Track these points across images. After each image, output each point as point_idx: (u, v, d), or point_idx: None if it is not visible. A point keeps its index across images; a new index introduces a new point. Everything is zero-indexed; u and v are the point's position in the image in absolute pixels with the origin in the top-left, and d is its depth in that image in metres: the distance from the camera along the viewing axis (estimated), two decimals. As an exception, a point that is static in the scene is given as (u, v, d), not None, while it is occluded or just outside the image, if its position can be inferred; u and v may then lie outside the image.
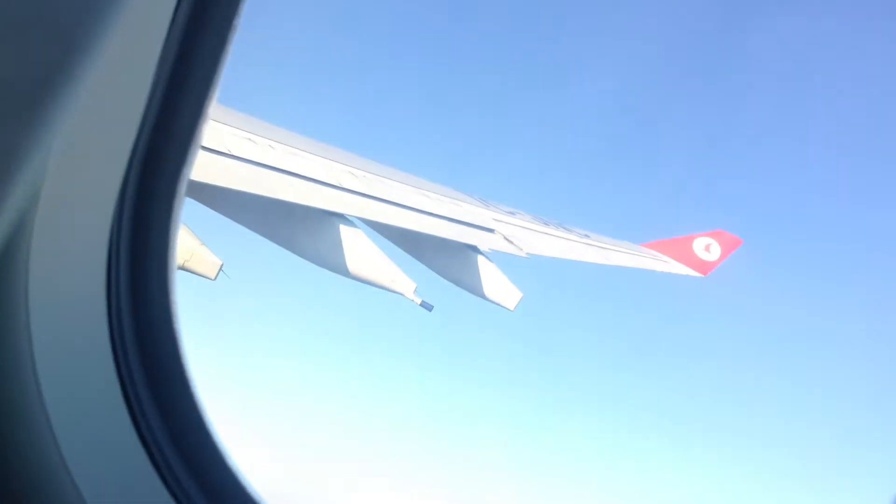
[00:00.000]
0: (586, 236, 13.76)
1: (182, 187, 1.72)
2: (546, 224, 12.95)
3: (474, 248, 9.79)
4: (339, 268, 7.87)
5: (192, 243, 5.86)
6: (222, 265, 5.93)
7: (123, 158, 1.62)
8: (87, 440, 1.72)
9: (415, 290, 8.04)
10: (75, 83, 1.34)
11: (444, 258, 9.58)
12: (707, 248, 16.68)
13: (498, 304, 9.48)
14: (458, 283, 9.62)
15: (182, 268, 5.83)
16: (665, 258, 16.12)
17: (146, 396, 1.75)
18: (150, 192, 1.69)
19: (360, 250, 7.87)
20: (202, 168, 7.39)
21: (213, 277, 5.94)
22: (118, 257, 1.70)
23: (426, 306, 8.13)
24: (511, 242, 11.01)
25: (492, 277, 9.50)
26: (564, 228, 13.38)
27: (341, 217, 8.26)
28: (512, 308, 9.52)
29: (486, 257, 9.73)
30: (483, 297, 9.52)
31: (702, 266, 16.61)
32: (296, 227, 8.08)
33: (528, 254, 11.11)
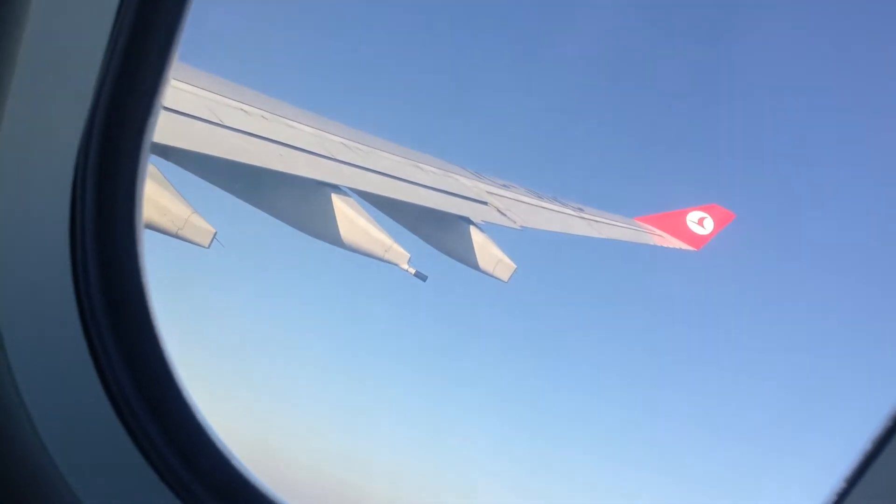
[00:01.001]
0: (580, 210, 13.77)
1: (149, 133, 1.69)
2: (540, 197, 12.95)
3: (468, 220, 9.79)
4: (334, 238, 7.88)
5: (185, 211, 5.86)
6: (216, 233, 5.94)
7: (84, 107, 1.60)
8: (53, 395, 1.71)
9: (409, 261, 8.06)
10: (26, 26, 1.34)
11: (438, 230, 9.59)
12: (700, 221, 16.74)
13: (492, 276, 9.50)
14: (451, 254, 9.64)
15: (176, 235, 5.84)
16: (658, 232, 16.17)
17: (112, 345, 1.73)
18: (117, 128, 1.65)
19: (353, 221, 7.88)
20: (195, 137, 7.37)
21: (206, 245, 5.96)
22: (83, 210, 1.67)
23: (420, 276, 8.15)
24: (505, 215, 11.02)
25: (485, 249, 9.52)
26: (559, 202, 13.39)
27: (335, 188, 8.25)
28: (506, 280, 9.54)
29: (480, 229, 9.74)
30: (477, 268, 9.54)
31: (695, 240, 16.67)
32: (289, 198, 8.08)
33: (521, 226, 11.12)
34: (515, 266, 9.48)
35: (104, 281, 1.72)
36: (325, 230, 7.83)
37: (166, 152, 6.89)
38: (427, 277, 8.19)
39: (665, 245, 16.05)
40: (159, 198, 5.81)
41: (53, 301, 1.70)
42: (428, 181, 10.26)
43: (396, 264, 8.01)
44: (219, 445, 1.83)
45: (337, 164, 8.81)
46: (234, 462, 1.84)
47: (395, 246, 7.96)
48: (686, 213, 16.72)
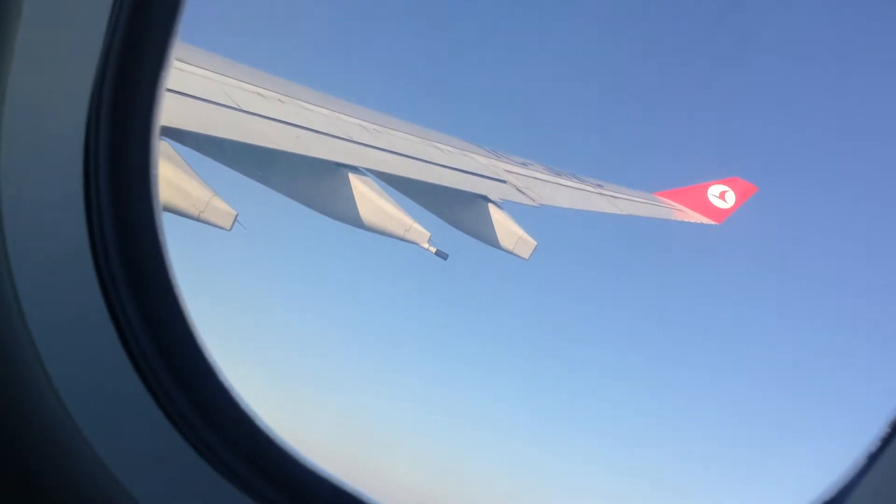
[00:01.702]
0: (599, 186, 13.69)
1: (161, 87, 1.68)
2: (558, 174, 12.88)
3: (486, 198, 9.76)
4: (353, 219, 7.89)
5: (206, 194, 5.89)
6: (237, 215, 5.97)
7: (94, 56, 1.59)
8: (71, 352, 1.72)
9: (429, 240, 8.05)
10: None
11: (457, 209, 9.57)
12: (722, 195, 16.58)
13: (512, 253, 9.48)
14: (471, 233, 9.62)
15: (197, 219, 5.87)
16: (679, 206, 16.05)
17: (131, 306, 1.73)
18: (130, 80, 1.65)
19: (373, 201, 7.88)
20: (212, 121, 7.38)
21: (228, 228, 5.98)
22: (97, 165, 1.66)
23: (441, 255, 8.15)
24: (523, 193, 10.97)
25: (505, 227, 9.50)
26: (577, 178, 13.32)
27: (353, 169, 8.25)
28: (526, 257, 9.52)
29: (499, 206, 9.71)
30: (497, 246, 9.52)
31: (716, 214, 16.52)
32: (308, 180, 8.09)
33: (540, 203, 11.08)
34: (536, 243, 9.45)
35: (126, 262, 1.72)
36: (345, 211, 7.85)
37: (183, 137, 6.91)
38: (448, 256, 8.20)
39: (686, 220, 15.93)
40: (180, 181, 5.84)
41: (74, 279, 1.70)
42: (445, 160, 10.23)
43: (417, 243, 8.01)
44: (244, 407, 1.83)
45: (354, 145, 8.80)
46: (258, 422, 1.84)
47: (416, 225, 7.96)
48: (707, 186, 16.57)
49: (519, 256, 9.48)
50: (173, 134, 6.60)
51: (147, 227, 1.74)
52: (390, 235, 7.99)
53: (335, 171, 7.97)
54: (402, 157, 9.40)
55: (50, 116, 1.63)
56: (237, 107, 7.83)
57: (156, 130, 1.71)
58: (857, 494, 1.53)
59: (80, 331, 1.72)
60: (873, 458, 1.52)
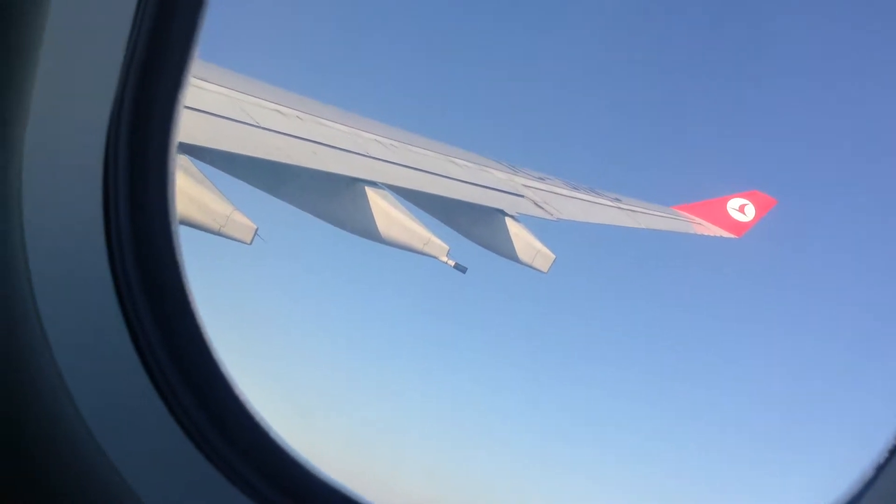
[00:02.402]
0: (617, 200, 13.63)
1: (180, 100, 1.70)
2: (576, 189, 12.86)
3: (504, 213, 9.76)
4: (372, 233, 7.92)
5: (227, 209, 5.93)
6: (257, 229, 6.00)
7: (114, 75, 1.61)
8: (88, 361, 1.73)
9: (448, 253, 8.05)
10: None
11: (475, 223, 9.57)
12: (741, 208, 16.46)
13: (531, 267, 9.45)
14: (490, 247, 9.61)
15: (218, 233, 5.91)
16: (699, 220, 15.94)
17: (146, 316, 1.73)
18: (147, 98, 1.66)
19: (391, 215, 7.90)
20: (231, 139, 7.46)
21: (248, 242, 6.02)
22: (116, 179, 1.67)
23: (460, 268, 8.14)
24: (541, 207, 10.96)
25: (523, 240, 9.48)
26: (595, 192, 13.28)
27: (371, 184, 8.28)
28: (545, 270, 9.48)
29: (516, 220, 9.70)
30: (516, 260, 9.50)
31: (736, 227, 16.39)
32: (326, 196, 8.13)
33: (558, 218, 11.05)
34: (555, 256, 9.41)
35: (142, 272, 1.73)
36: (364, 225, 7.87)
37: (203, 154, 6.99)
38: (467, 269, 8.19)
39: (705, 233, 15.81)
40: (201, 196, 5.89)
41: (92, 288, 1.72)
42: (463, 175, 10.25)
43: (436, 257, 8.01)
44: (254, 414, 1.83)
45: (371, 160, 8.85)
46: (267, 429, 1.84)
47: (434, 238, 7.97)
48: (727, 200, 16.46)
49: (538, 270, 9.45)
50: (193, 151, 6.67)
51: (163, 239, 1.75)
52: (409, 249, 8.00)
53: (353, 186, 8.01)
54: (418, 172, 9.43)
55: (71, 132, 1.65)
56: (256, 124, 7.91)
57: (174, 145, 1.73)
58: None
59: (97, 340, 1.74)
60: (881, 469, 1.50)
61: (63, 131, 1.64)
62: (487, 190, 10.26)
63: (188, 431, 1.76)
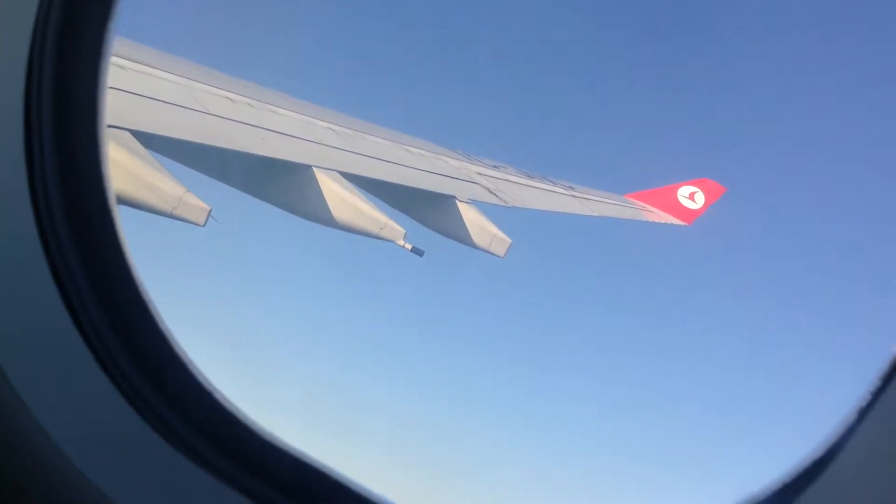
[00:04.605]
0: (571, 188, 13.80)
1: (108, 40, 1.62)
2: (530, 177, 12.97)
3: (458, 199, 9.79)
4: (327, 219, 7.87)
5: (178, 190, 5.83)
6: (210, 210, 5.91)
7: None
8: (29, 347, 1.66)
9: (405, 237, 8.05)
10: None
11: (429, 210, 9.58)
12: (691, 196, 16.78)
13: (488, 252, 9.50)
14: (446, 234, 9.63)
15: (170, 215, 5.81)
16: (650, 208, 16.21)
17: (88, 293, 1.66)
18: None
19: (345, 199, 7.86)
20: (180, 126, 7.35)
21: (201, 224, 5.92)
22: (42, 156, 1.59)
23: (417, 252, 8.14)
24: (495, 195, 11.03)
25: (479, 225, 9.52)
26: (549, 181, 13.42)
27: (325, 171, 8.23)
28: (502, 255, 9.54)
29: (472, 206, 9.74)
30: (473, 245, 9.54)
31: (686, 215, 16.71)
32: (277, 183, 8.06)
33: (512, 206, 11.14)
34: (511, 240, 9.48)
35: (82, 254, 1.67)
36: (318, 211, 7.82)
37: (152, 141, 6.87)
38: (424, 252, 8.18)
39: (656, 220, 16.08)
40: (151, 178, 5.78)
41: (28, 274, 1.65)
42: (417, 163, 10.26)
43: (392, 241, 8.00)
44: (203, 383, 1.75)
45: (324, 147, 8.80)
46: (226, 405, 1.76)
47: (390, 223, 7.95)
48: (677, 188, 16.77)
49: (494, 254, 9.50)
50: (142, 138, 6.54)
51: (100, 214, 1.69)
52: (365, 234, 7.97)
53: (305, 171, 7.94)
54: (372, 160, 9.40)
55: None
56: (205, 110, 7.80)
57: (103, 112, 1.66)
58: (848, 450, 1.49)
59: (36, 323, 1.67)
60: (864, 413, 1.49)
61: None
62: (442, 177, 10.28)
63: (132, 401, 1.69)
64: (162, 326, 1.73)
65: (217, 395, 1.75)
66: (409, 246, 8.08)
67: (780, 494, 1.51)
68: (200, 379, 1.75)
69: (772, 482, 1.52)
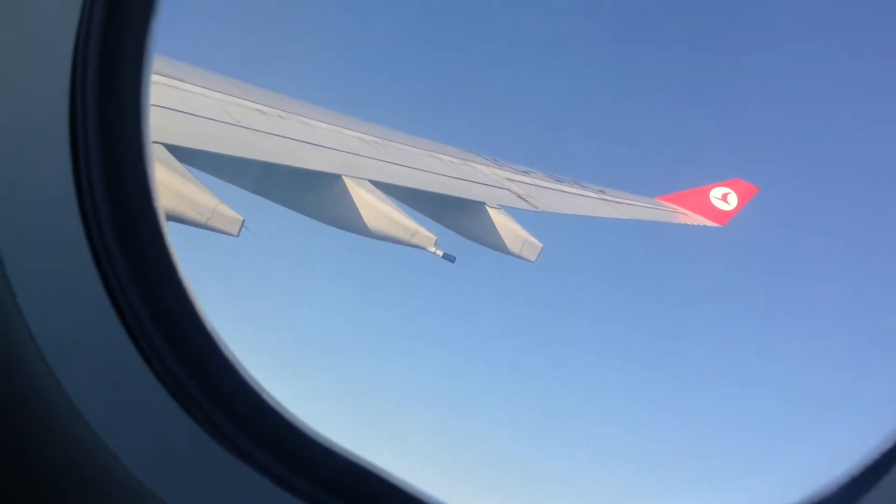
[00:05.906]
0: (602, 192, 13.71)
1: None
2: (560, 181, 12.92)
3: (489, 205, 9.77)
4: (359, 227, 7.89)
5: (212, 201, 5.89)
6: (244, 221, 5.96)
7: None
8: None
9: (436, 244, 8.05)
10: None
11: (460, 216, 9.58)
12: (724, 197, 16.60)
13: (519, 257, 9.46)
14: (477, 239, 9.61)
15: (205, 226, 5.87)
16: (682, 210, 16.05)
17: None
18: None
19: (377, 207, 7.89)
20: (212, 139, 7.43)
21: (235, 234, 5.98)
22: (88, 164, 1.60)
23: (448, 258, 8.14)
24: (525, 200, 11.00)
25: (510, 231, 9.49)
26: (579, 185, 13.35)
27: (356, 180, 8.26)
28: (533, 259, 9.49)
29: (502, 213, 9.72)
30: (504, 251, 9.51)
31: (719, 216, 16.52)
32: (309, 193, 8.11)
33: (542, 210, 11.09)
34: (542, 245, 9.43)
35: (130, 261, 1.67)
36: (349, 220, 7.85)
37: (184, 155, 6.96)
38: (455, 258, 8.18)
39: (689, 223, 15.92)
40: (185, 190, 5.85)
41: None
42: (446, 170, 10.27)
43: (424, 248, 8.00)
44: (244, 374, 1.76)
45: (354, 156, 8.85)
46: (263, 395, 1.77)
47: (421, 230, 7.96)
48: (709, 189, 16.60)
49: (526, 259, 9.46)
50: (175, 151, 6.63)
51: (147, 220, 1.70)
52: (396, 241, 7.98)
53: (336, 182, 7.99)
54: (401, 168, 9.43)
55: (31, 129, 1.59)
56: (237, 123, 7.88)
57: (146, 118, 1.67)
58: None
59: (85, 329, 1.68)
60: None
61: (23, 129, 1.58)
62: (472, 183, 10.28)
63: (186, 408, 1.70)
64: (211, 331, 1.74)
65: (267, 398, 1.76)
66: (440, 252, 8.08)
67: (845, 490, 1.47)
68: (251, 382, 1.77)
69: (837, 478, 1.47)
